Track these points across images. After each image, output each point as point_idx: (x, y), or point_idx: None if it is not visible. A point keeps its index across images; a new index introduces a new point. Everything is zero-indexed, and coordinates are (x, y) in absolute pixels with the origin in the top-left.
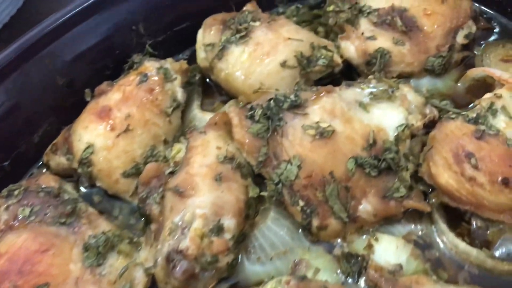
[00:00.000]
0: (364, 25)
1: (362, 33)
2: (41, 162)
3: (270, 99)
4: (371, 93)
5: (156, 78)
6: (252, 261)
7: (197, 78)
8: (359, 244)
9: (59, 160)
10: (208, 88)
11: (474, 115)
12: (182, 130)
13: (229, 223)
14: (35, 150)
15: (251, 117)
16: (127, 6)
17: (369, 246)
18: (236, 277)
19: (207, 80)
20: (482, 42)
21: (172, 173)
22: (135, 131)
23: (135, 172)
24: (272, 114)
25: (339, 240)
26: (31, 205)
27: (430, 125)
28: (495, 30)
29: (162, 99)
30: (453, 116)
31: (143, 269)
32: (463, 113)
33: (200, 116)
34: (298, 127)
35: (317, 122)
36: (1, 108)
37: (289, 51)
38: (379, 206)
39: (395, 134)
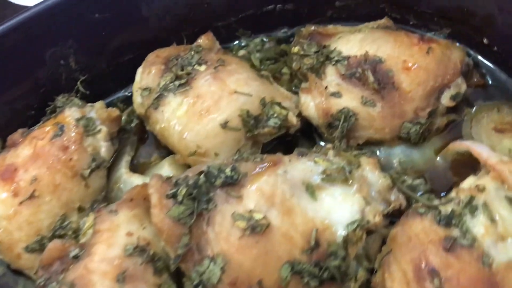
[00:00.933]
0: (331, 76)
1: (326, 87)
2: None
3: (200, 172)
4: (324, 171)
5: (73, 133)
6: None
7: (133, 125)
8: None
9: None
10: (146, 135)
11: (449, 210)
12: (107, 190)
13: None
14: None
15: (173, 196)
16: (55, 33)
17: None
18: None
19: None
20: (473, 102)
21: (76, 257)
22: (42, 197)
23: (38, 247)
24: (199, 194)
25: None
26: None
27: (395, 214)
28: (490, 88)
29: (78, 159)
30: (422, 210)
31: None
32: (436, 203)
33: (126, 178)
34: (228, 215)
35: (250, 211)
36: None
37: (234, 108)
38: None
39: (345, 234)
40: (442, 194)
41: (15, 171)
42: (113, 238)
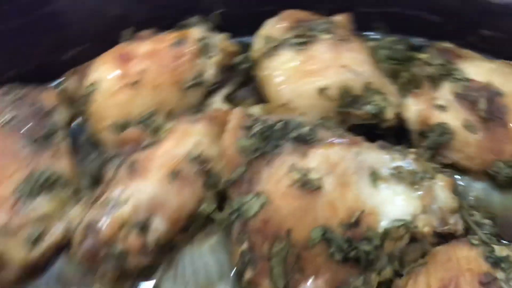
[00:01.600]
0: (444, 90)
1: (435, 98)
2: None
3: (280, 120)
4: (397, 167)
5: (190, 47)
6: (167, 278)
7: (243, 67)
8: None
9: (71, 84)
10: (250, 81)
11: (503, 255)
12: (197, 109)
13: (159, 225)
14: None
15: (248, 129)
16: None
17: None
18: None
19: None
20: None
21: (145, 147)
22: (142, 88)
23: (120, 129)
24: (271, 136)
25: None
26: (16, 114)
27: (446, 237)
28: None
29: (184, 71)
30: (476, 242)
31: (64, 225)
32: (492, 244)
33: (218, 106)
34: (287, 164)
35: (308, 169)
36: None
37: (337, 80)
38: None
39: (387, 227)
40: (505, 242)
41: (131, 59)
42: (183, 140)
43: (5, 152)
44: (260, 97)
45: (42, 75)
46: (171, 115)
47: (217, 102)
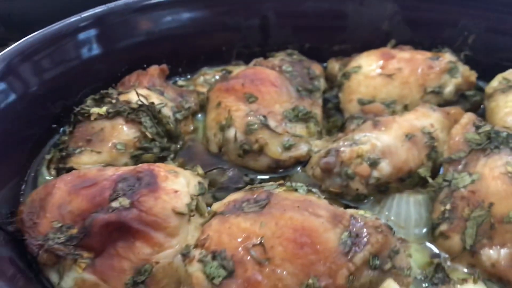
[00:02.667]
0: None
1: None
2: None
3: (506, 132)
4: None
5: (442, 64)
6: (375, 209)
7: (474, 99)
8: (458, 273)
9: (333, 67)
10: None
11: None
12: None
13: (385, 167)
14: None
15: (477, 127)
16: None
17: (463, 280)
18: (357, 205)
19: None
20: None
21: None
22: (394, 81)
23: (365, 103)
24: (495, 139)
25: (446, 256)
26: (293, 68)
27: None
28: None
29: (432, 79)
30: None
31: (309, 148)
32: None
33: None
34: (504, 160)
35: None
36: None
37: None
38: (504, 264)
39: None
40: None
41: (392, 58)
42: (422, 118)
43: (281, 88)
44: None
45: (314, 55)
46: (406, 108)
47: None
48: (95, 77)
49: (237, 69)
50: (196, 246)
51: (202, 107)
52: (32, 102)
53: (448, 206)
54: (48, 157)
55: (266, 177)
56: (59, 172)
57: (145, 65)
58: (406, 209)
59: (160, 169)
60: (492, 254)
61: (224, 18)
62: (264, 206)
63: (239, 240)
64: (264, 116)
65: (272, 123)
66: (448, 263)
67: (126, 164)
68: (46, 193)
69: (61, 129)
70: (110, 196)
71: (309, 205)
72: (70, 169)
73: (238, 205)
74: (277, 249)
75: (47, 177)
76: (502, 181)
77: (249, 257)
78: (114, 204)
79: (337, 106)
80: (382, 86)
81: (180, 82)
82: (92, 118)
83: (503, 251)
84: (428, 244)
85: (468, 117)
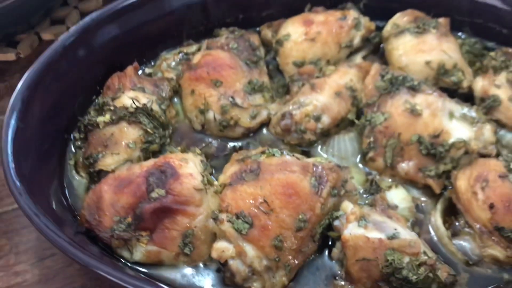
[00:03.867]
0: (501, 77)
1: (494, 80)
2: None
3: (402, 75)
4: (464, 113)
5: (349, 22)
6: (323, 149)
7: (375, 41)
8: (385, 182)
9: (266, 33)
10: (378, 50)
11: None
12: (340, 61)
13: (326, 119)
14: None
15: (382, 76)
16: None
17: (389, 187)
18: (310, 148)
19: (381, 45)
20: None
21: (317, 77)
22: (315, 43)
23: (299, 64)
24: (396, 83)
25: (376, 173)
26: (238, 44)
27: (484, 156)
28: None
29: (344, 36)
30: (501, 159)
31: (268, 112)
32: (510, 162)
33: (358, 62)
34: (403, 99)
35: (416, 104)
36: None
37: (438, 58)
38: (412, 172)
39: (454, 141)
40: None
41: (311, 23)
42: (344, 75)
43: (237, 68)
44: (385, 61)
45: (248, 24)
46: (328, 63)
47: (358, 59)
48: (84, 86)
49: (191, 49)
50: (221, 211)
51: (175, 92)
52: (45, 121)
53: (371, 139)
54: (71, 162)
55: (244, 142)
56: (91, 175)
57: (118, 64)
58: (344, 145)
59: (174, 159)
60: (404, 166)
61: (169, 4)
62: (258, 174)
63: (250, 202)
64: (232, 97)
65: (238, 100)
66: (378, 177)
67: (139, 157)
68: (97, 197)
69: (71, 135)
70: (146, 189)
71: (286, 165)
72: (100, 171)
73: (239, 176)
74: (275, 202)
75: (80, 179)
76: (404, 116)
77: (259, 212)
78: (153, 195)
79: (277, 67)
80: (308, 49)
81: (147, 70)
82: (101, 126)
83: (411, 163)
84: (362, 167)
85: (375, 68)
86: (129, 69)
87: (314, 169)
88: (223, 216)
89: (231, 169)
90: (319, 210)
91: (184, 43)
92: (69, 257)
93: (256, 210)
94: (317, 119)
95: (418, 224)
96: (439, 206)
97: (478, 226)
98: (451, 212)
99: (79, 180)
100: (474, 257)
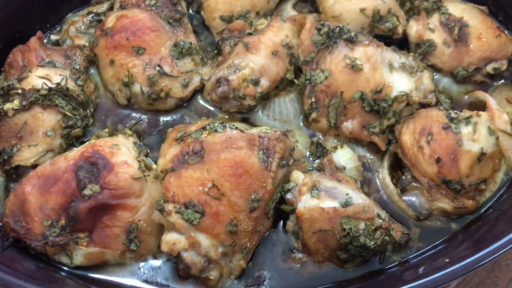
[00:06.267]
0: (434, 19)
1: (428, 23)
2: None
3: (338, 27)
4: (403, 63)
5: None
6: (264, 113)
7: None
8: (330, 143)
9: None
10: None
11: (454, 116)
12: (271, 13)
13: (264, 83)
14: None
15: (318, 30)
16: None
17: (335, 147)
18: (250, 114)
19: None
20: (503, 80)
21: (249, 34)
22: None
23: (227, 19)
24: (333, 36)
25: (320, 134)
26: (156, 2)
27: (424, 105)
28: None
29: None
30: (441, 108)
31: (200, 78)
32: (449, 110)
33: (289, 11)
34: (342, 54)
35: (355, 58)
36: None
37: (372, 5)
38: (356, 130)
39: (397, 95)
40: (456, 111)
41: None
42: (279, 32)
43: (159, 30)
44: (317, 10)
45: None
46: (258, 15)
47: (288, 8)
48: None
49: (101, 8)
50: (167, 201)
51: (91, 62)
52: None
53: (313, 99)
54: None
55: (178, 114)
56: (7, 172)
57: (17, 35)
58: (285, 107)
59: (104, 147)
60: (348, 125)
61: None
62: (203, 155)
63: (198, 188)
64: (159, 65)
65: (167, 68)
66: (322, 138)
67: (60, 145)
68: (21, 201)
69: None
70: (77, 185)
71: (231, 142)
72: (17, 167)
73: (181, 159)
74: (225, 185)
75: None
76: (345, 73)
77: (209, 198)
78: (87, 192)
79: (202, 22)
80: (236, 1)
81: (54, 36)
82: (10, 115)
83: (354, 121)
84: (305, 129)
85: (310, 21)
86: (33, 41)
87: (261, 141)
88: (170, 206)
89: (170, 151)
90: (270, 185)
91: (92, 1)
92: None
93: (205, 197)
94: (256, 83)
95: (366, 183)
96: (386, 163)
97: (426, 180)
98: (397, 166)
99: None
100: (424, 211)
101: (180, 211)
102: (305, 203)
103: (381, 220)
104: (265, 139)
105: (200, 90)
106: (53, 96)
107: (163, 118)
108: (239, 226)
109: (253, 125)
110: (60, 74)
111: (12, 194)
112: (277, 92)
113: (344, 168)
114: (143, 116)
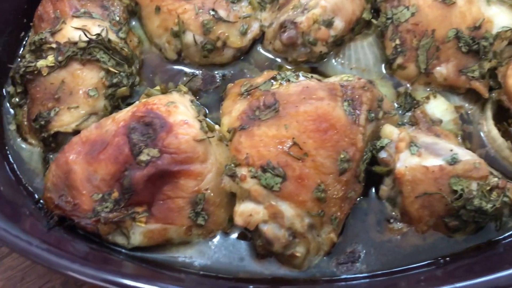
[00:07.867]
0: None
1: None
2: None
3: None
4: None
5: None
6: (337, 62)
7: None
8: (420, 93)
9: None
10: None
11: None
12: None
13: (339, 24)
14: None
15: None
16: None
17: (427, 98)
18: (320, 64)
19: None
20: None
21: None
22: None
23: None
24: None
25: (407, 83)
26: None
27: None
28: None
29: None
30: None
31: (260, 24)
32: None
33: None
34: None
35: None
36: None
37: None
38: (452, 75)
39: (498, 31)
40: None
41: None
42: None
43: None
44: None
45: None
46: None
47: None
48: (4, 20)
49: None
50: (238, 165)
51: (132, 13)
52: None
53: (397, 41)
54: (12, 127)
55: (236, 69)
56: (45, 141)
57: None
58: (363, 53)
59: (158, 105)
60: (442, 70)
61: None
62: (278, 109)
63: (276, 147)
64: (213, 9)
65: (222, 13)
66: (410, 88)
67: (105, 107)
68: (64, 172)
69: (3, 90)
70: (131, 151)
71: (310, 92)
72: (57, 134)
73: (251, 115)
74: (308, 143)
75: (31, 148)
76: (436, 8)
77: (291, 158)
78: (143, 157)
79: None
80: None
81: None
82: (44, 73)
83: (449, 65)
84: (388, 78)
85: None
86: None
87: (344, 91)
88: (244, 171)
89: (236, 107)
90: (361, 142)
91: None
92: (32, 260)
93: (286, 157)
94: (329, 24)
95: (467, 138)
96: (489, 113)
97: None
98: (502, 117)
99: (29, 149)
100: None
101: (257, 175)
102: (405, 162)
103: (496, 179)
104: (349, 88)
105: (259, 39)
106: (93, 50)
107: (219, 73)
108: (328, 191)
109: (324, 76)
110: (99, 25)
111: (54, 164)
112: (352, 36)
113: (441, 121)
114: (197, 72)
